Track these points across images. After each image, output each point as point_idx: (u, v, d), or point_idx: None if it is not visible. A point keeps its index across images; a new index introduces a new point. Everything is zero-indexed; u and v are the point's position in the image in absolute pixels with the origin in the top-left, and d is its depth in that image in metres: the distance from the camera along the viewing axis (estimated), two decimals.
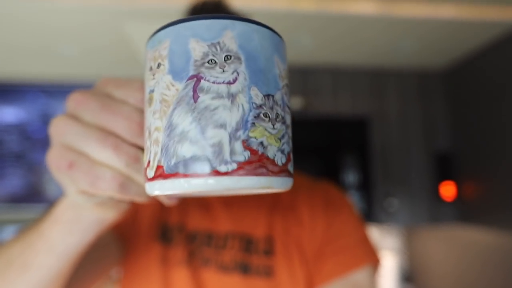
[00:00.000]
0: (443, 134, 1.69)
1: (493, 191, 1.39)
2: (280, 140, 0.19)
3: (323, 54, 1.61)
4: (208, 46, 0.18)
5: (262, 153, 0.18)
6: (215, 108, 0.17)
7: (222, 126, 0.17)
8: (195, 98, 0.17)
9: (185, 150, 0.17)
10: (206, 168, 0.17)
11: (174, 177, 0.17)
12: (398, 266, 2.07)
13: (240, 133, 0.17)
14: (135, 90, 0.23)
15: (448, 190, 1.61)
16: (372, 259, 0.45)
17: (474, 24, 1.32)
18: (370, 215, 1.58)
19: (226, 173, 0.17)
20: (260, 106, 0.18)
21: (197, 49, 0.18)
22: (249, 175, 0.17)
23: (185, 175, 0.17)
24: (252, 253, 0.45)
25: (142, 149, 0.23)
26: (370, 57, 1.63)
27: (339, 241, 0.45)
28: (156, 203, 0.49)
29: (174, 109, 0.18)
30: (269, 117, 0.18)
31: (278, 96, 0.19)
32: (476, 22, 1.30)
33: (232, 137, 0.17)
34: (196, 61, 0.18)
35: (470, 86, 1.55)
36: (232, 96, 0.17)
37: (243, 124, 0.17)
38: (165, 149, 0.18)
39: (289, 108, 0.21)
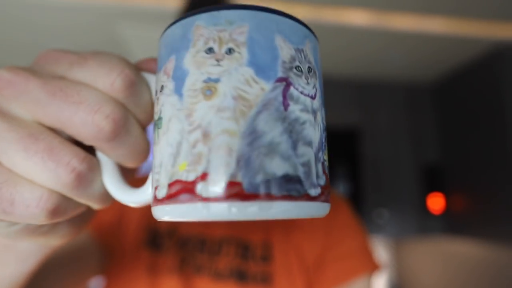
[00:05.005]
0: (431, 146, 1.73)
1: (481, 204, 1.40)
2: None
3: None
4: (295, 50, 0.16)
5: (329, 178, 0.17)
6: (304, 123, 0.15)
7: (310, 144, 0.15)
8: (285, 105, 0.15)
9: (276, 166, 0.14)
10: (299, 191, 0.14)
11: (258, 200, 0.13)
12: (387, 278, 2.07)
13: (320, 154, 0.16)
14: (108, 70, 0.15)
15: (436, 202, 1.64)
16: (372, 267, 0.45)
17: (463, 39, 1.35)
18: None
19: (314, 198, 0.15)
20: (325, 129, 0.17)
21: (285, 49, 0.15)
22: (326, 201, 0.16)
23: (275, 197, 0.13)
24: (248, 260, 0.42)
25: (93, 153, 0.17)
26: (360, 69, 1.64)
27: (340, 248, 0.45)
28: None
29: (260, 112, 0.14)
30: (326, 140, 0.18)
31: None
32: (465, 37, 1.33)
33: (316, 158, 0.15)
34: (284, 62, 0.15)
35: (459, 99, 1.57)
36: (314, 113, 0.16)
37: (321, 145, 0.16)
38: (244, 161, 0.13)
39: None
